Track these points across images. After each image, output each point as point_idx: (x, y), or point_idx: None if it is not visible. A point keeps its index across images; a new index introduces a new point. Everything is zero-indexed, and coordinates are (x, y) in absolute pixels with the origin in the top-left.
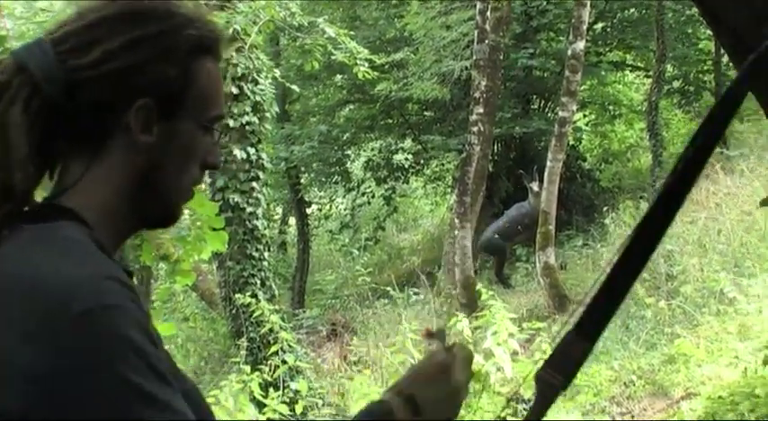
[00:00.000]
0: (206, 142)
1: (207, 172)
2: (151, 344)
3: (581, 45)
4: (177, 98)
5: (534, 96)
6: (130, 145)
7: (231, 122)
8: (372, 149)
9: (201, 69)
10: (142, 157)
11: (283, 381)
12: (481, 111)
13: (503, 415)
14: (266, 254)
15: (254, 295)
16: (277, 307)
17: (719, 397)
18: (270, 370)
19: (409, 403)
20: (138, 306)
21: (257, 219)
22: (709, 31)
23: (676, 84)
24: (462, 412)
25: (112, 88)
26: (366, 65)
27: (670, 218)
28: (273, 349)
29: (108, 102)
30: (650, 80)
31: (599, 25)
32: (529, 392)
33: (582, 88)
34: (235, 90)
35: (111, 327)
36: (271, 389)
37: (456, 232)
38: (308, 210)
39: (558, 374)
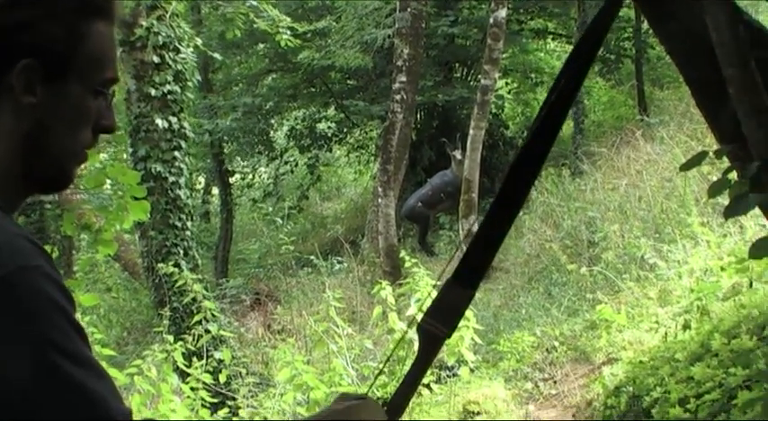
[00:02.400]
0: (98, 105)
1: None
2: (69, 302)
3: (503, 13)
4: (63, 59)
5: (456, 64)
6: (15, 106)
7: (153, 91)
8: (295, 118)
9: (91, 31)
10: (28, 119)
11: (207, 351)
12: (404, 79)
13: (425, 381)
14: (189, 223)
15: (176, 265)
16: (200, 276)
17: (640, 361)
18: (193, 339)
19: None
20: (52, 265)
21: (180, 188)
22: None
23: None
24: (385, 379)
25: None
26: (288, 33)
27: (546, 148)
28: (197, 319)
29: None
30: (571, 48)
31: None
32: (452, 359)
33: (504, 56)
34: (156, 59)
35: (34, 288)
36: (194, 359)
37: (379, 200)
38: (231, 180)
39: (438, 324)
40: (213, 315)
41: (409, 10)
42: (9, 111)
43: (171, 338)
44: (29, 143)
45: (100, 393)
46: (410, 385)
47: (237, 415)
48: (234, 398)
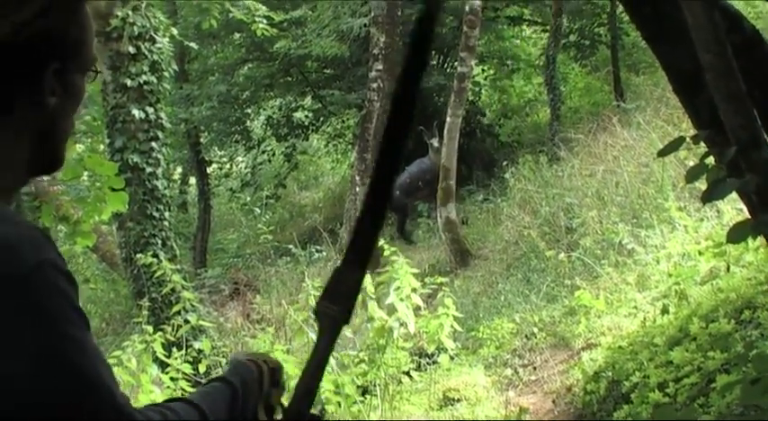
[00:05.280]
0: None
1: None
2: (75, 290)
3: (478, 1)
4: (75, 54)
5: (433, 52)
6: (36, 107)
7: (129, 82)
8: (272, 107)
9: (85, 18)
10: (45, 116)
11: (186, 341)
12: (380, 67)
13: (405, 369)
14: (167, 213)
15: (155, 255)
16: (179, 266)
17: (619, 347)
18: (172, 330)
19: (273, 372)
20: (57, 251)
21: (157, 179)
22: None
23: (573, 37)
24: (365, 367)
25: (25, 57)
26: (264, 22)
27: (406, 128)
28: (176, 309)
29: (20, 71)
30: (547, 35)
31: None
32: (432, 347)
33: (480, 43)
34: (132, 49)
35: (49, 284)
36: (174, 349)
37: (357, 189)
38: (209, 170)
39: (333, 305)
40: (192, 305)
41: None
42: (29, 112)
43: (150, 329)
44: (39, 134)
45: (107, 382)
46: (315, 370)
47: None
48: None
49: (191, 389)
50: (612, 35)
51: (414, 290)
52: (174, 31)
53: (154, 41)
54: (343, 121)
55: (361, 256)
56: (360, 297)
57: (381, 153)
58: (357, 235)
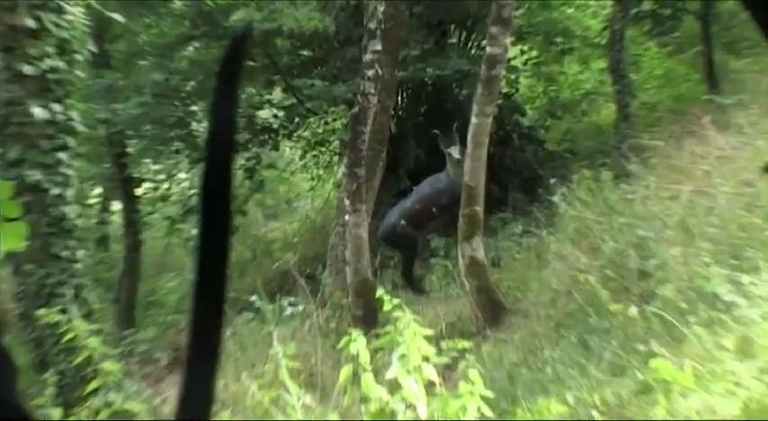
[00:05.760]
0: None
1: None
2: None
3: None
4: None
5: (452, 26)
6: None
7: (27, 69)
8: None
9: None
10: None
11: None
12: (379, 47)
13: None
14: (80, 252)
15: (63, 311)
16: (97, 326)
17: None
18: (89, 415)
19: None
20: None
21: (66, 203)
22: None
23: (648, 5)
24: None
25: None
26: None
27: (225, 219)
28: (93, 386)
29: None
30: (612, 2)
31: None
32: None
33: (518, 14)
34: (31, 23)
35: None
36: None
37: (347, 218)
38: (138, 191)
39: None
40: (116, 380)
41: None
42: None
43: (57, 413)
44: None
45: None
46: None
47: None
48: None
49: None
50: (704, 2)
51: (426, 359)
52: None
53: (62, 12)
54: (327, 123)
55: (194, 400)
56: (350, 368)
57: (202, 253)
58: (188, 366)
